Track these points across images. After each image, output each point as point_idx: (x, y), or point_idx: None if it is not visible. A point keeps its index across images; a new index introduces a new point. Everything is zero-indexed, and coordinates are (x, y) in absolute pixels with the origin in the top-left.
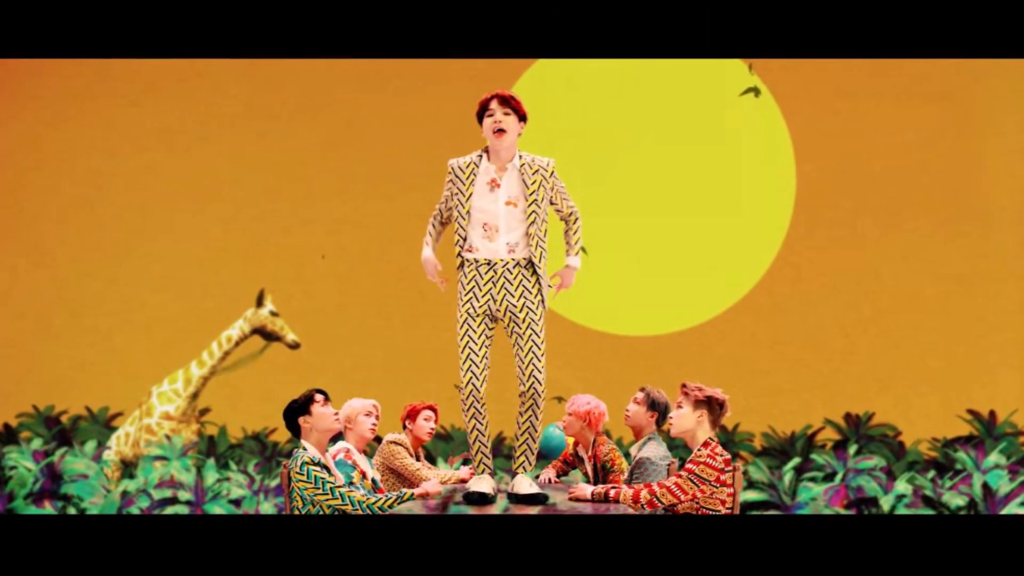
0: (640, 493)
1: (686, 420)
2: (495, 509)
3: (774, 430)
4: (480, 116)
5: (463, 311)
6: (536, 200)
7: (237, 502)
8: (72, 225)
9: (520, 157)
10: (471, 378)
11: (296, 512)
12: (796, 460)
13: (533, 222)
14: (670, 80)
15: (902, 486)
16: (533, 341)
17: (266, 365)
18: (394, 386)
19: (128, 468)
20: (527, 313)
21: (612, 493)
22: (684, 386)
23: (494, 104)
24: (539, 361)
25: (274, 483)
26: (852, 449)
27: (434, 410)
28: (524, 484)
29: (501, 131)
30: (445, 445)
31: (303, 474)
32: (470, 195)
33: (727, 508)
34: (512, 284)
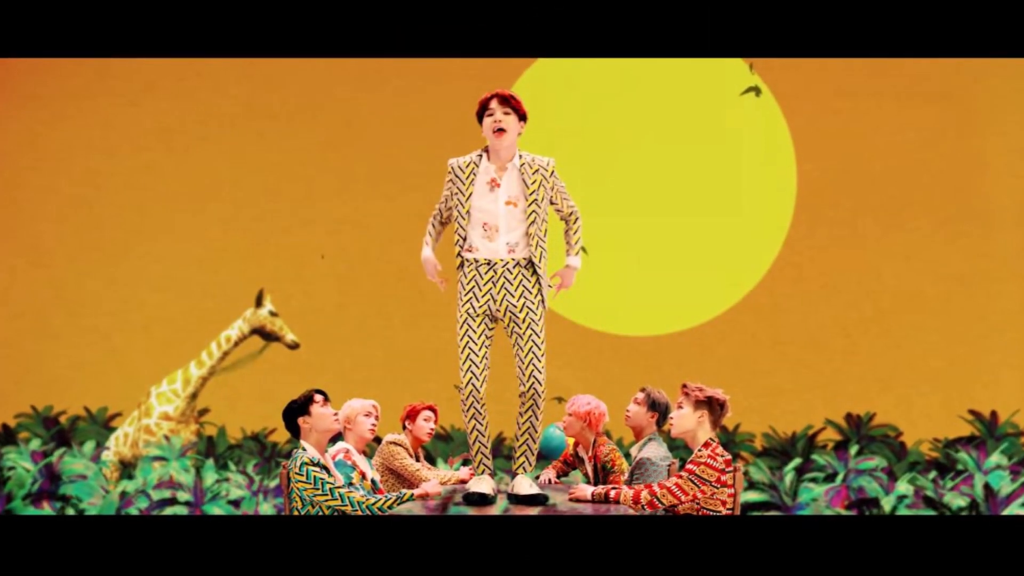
0: (640, 494)
1: (687, 420)
2: (495, 510)
3: (775, 430)
4: (480, 116)
5: (463, 311)
6: (536, 200)
7: (236, 503)
8: (71, 225)
9: (520, 157)
10: (471, 378)
11: (295, 513)
12: (797, 461)
13: (533, 222)
14: (670, 79)
15: (903, 487)
16: (533, 341)
17: (265, 365)
18: (394, 386)
19: (127, 469)
20: (527, 313)
21: (612, 494)
22: (685, 386)
23: (494, 103)
24: (539, 361)
25: (273, 484)
26: (853, 449)
27: (434, 410)
28: (524, 485)
29: (501, 131)
30: (445, 445)
31: (302, 475)
32: (470, 195)
33: (728, 509)
34: (512, 284)
